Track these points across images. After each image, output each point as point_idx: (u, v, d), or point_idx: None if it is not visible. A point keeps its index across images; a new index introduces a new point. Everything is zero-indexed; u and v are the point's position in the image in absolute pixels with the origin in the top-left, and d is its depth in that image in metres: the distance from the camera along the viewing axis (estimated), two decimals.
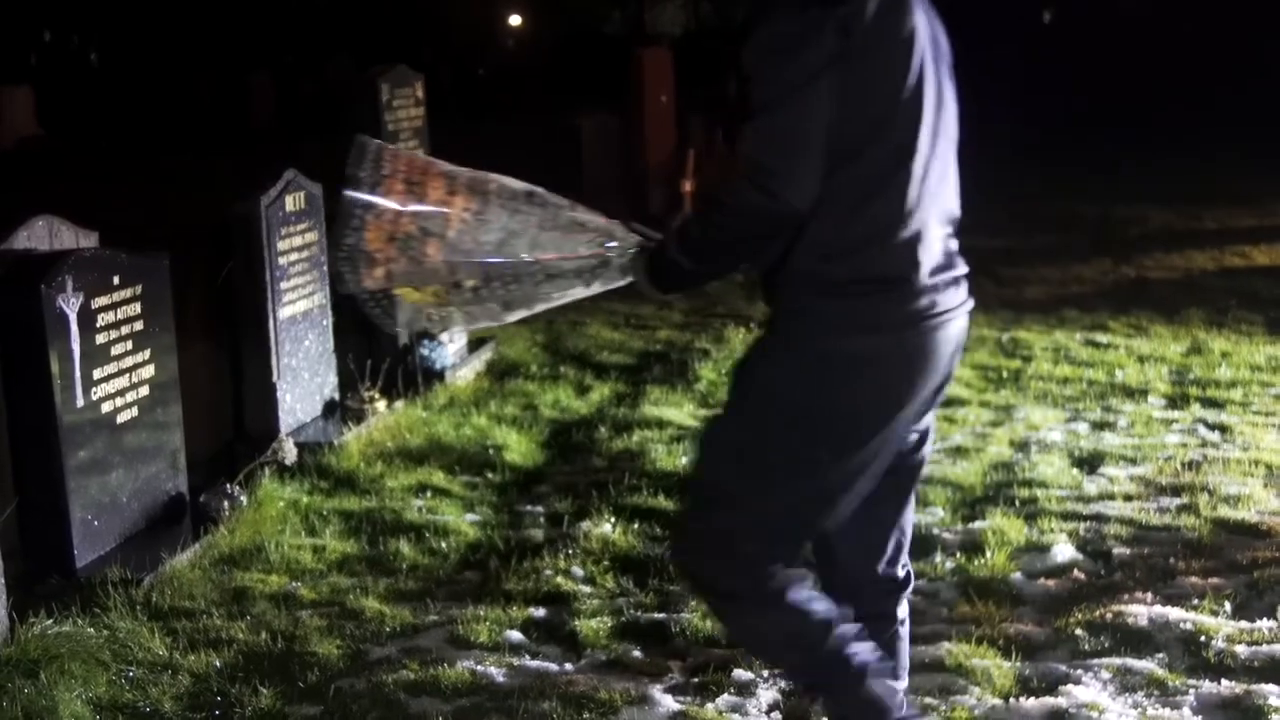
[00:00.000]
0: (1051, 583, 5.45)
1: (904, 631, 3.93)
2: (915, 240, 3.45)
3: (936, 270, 3.49)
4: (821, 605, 3.64)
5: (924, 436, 3.79)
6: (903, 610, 3.91)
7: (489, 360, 8.89)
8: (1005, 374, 8.82)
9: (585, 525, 6.03)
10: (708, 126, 16.11)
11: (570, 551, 5.76)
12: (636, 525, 6.05)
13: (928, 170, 3.47)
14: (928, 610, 5.22)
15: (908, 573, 3.91)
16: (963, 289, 3.58)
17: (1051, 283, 12.46)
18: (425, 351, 8.15)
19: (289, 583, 5.48)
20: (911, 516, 3.92)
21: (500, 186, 3.49)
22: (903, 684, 3.88)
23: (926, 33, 3.52)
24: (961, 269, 3.57)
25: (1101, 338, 9.88)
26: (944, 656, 4.78)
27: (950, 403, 8.14)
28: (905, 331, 3.46)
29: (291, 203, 7.10)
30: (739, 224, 3.46)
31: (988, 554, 5.66)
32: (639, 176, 14.36)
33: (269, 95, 30.01)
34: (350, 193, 3.42)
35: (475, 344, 8.96)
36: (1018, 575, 5.51)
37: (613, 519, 6.11)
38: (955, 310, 3.53)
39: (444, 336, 8.27)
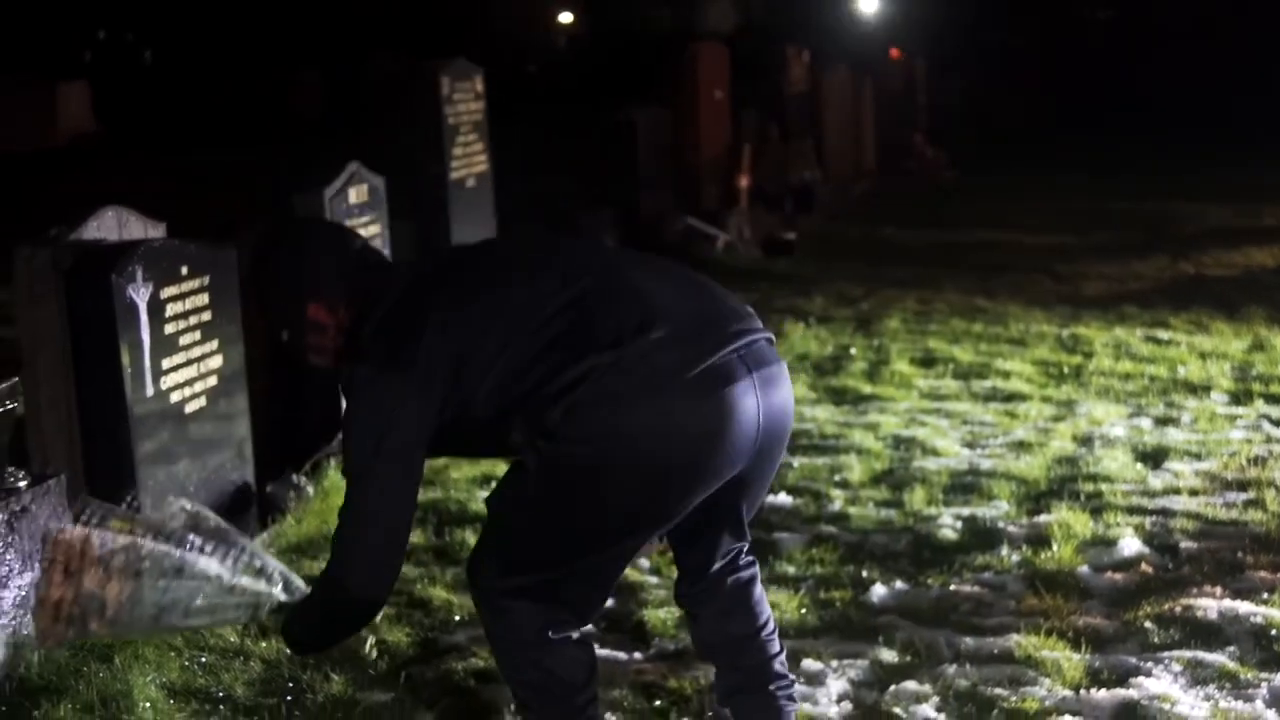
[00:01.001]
0: (1119, 576, 5.43)
1: (749, 577, 3.96)
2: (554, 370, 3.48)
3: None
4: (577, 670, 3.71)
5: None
6: (738, 579, 3.94)
7: None
8: (1066, 369, 8.80)
9: None
10: (762, 121, 16.12)
11: None
12: None
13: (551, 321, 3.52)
14: (995, 603, 5.21)
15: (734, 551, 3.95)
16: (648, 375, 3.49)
17: (1109, 279, 12.42)
18: None
19: None
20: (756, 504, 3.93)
21: (154, 563, 3.70)
22: (764, 618, 3.95)
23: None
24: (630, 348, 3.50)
25: (1162, 334, 9.84)
26: (1013, 648, 4.76)
27: (1011, 397, 8.14)
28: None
29: (355, 195, 7.12)
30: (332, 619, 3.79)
31: (1054, 547, 5.64)
32: (693, 171, 14.36)
33: (317, 91, 30.11)
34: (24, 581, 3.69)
35: None
36: (1084, 568, 5.49)
37: None
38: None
39: None
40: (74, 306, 5.31)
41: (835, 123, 17.88)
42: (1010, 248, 14.24)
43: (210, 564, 3.74)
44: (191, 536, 3.84)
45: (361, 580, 3.61)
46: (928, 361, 9.07)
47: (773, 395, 3.61)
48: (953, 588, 5.34)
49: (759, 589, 3.97)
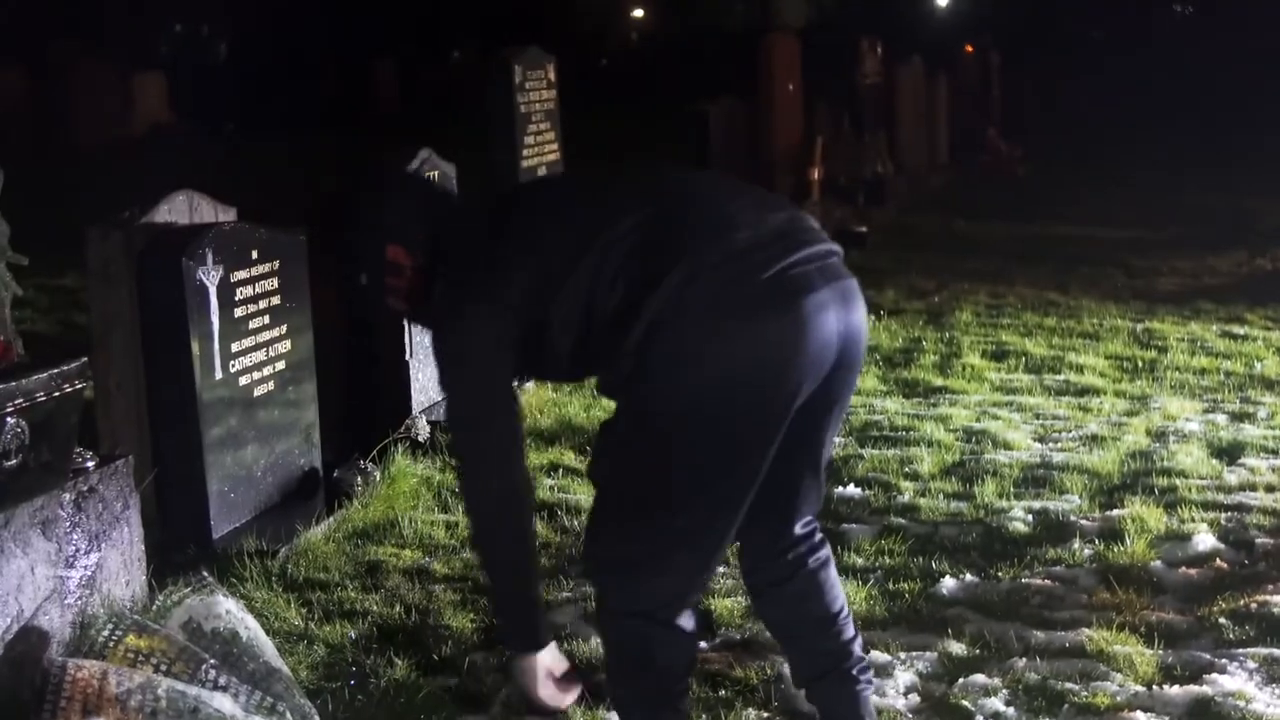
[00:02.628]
0: (1193, 571, 5.34)
1: (826, 558, 3.89)
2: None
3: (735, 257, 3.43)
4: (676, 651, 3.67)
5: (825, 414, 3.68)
6: (817, 559, 3.87)
7: None
8: (1140, 364, 8.69)
9: None
10: (834, 114, 16.04)
11: None
12: None
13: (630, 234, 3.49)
14: (1066, 596, 5.13)
15: (811, 529, 3.89)
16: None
17: (1184, 274, 12.29)
18: None
19: (422, 558, 5.49)
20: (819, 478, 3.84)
21: (170, 703, 3.70)
22: (841, 601, 3.90)
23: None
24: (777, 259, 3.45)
25: (1238, 329, 9.73)
26: (1084, 643, 4.69)
27: (1084, 392, 8.05)
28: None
29: None
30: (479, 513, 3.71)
31: (1127, 542, 5.56)
32: (766, 164, 14.30)
33: (392, 82, 30.26)
34: None
35: None
36: (1158, 563, 5.40)
37: None
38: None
39: None
40: (145, 289, 5.34)
41: (909, 115, 17.77)
42: (1084, 241, 14.11)
43: (224, 702, 3.80)
44: (207, 664, 3.89)
45: (493, 475, 3.64)
46: (999, 355, 8.99)
47: (850, 310, 3.53)
48: (1023, 581, 5.26)
49: (834, 570, 3.91)
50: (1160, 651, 4.63)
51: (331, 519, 5.70)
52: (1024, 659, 4.58)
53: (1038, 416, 7.57)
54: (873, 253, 13.27)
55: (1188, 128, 22.31)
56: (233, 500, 5.58)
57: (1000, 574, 5.34)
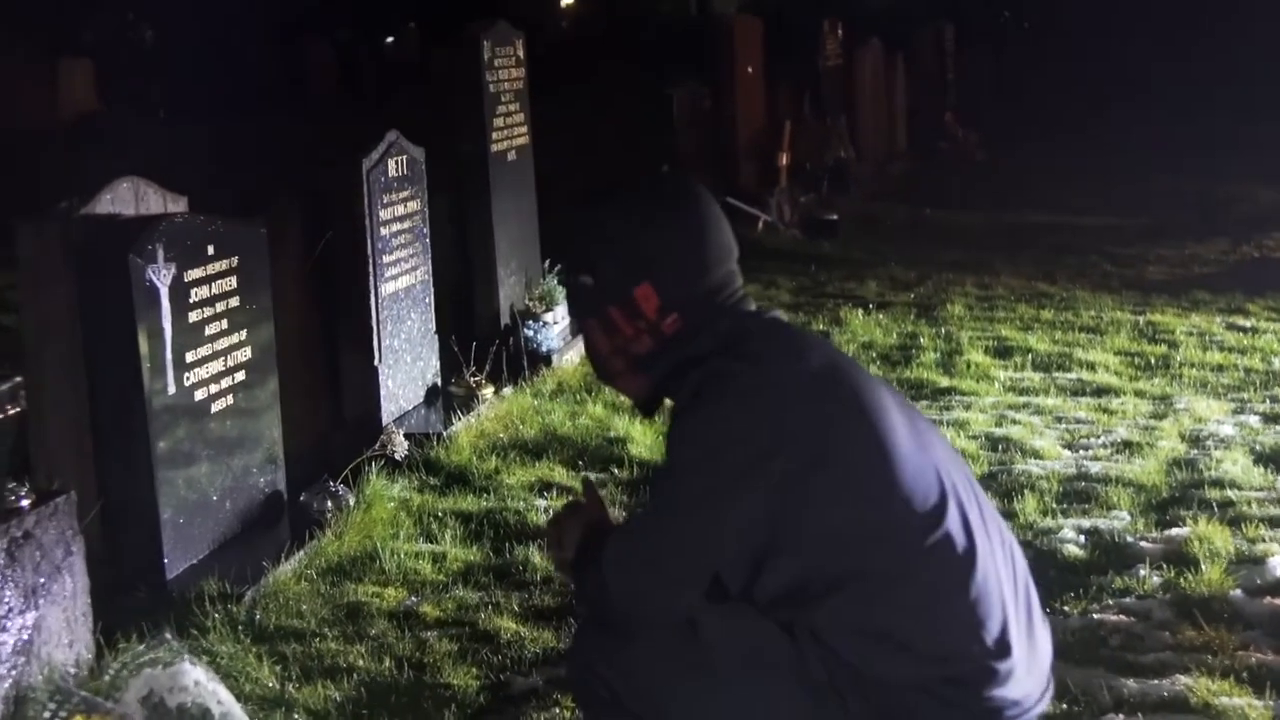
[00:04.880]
0: (1278, 601, 4.74)
1: None
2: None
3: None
4: None
5: None
6: None
7: None
8: (1153, 361, 8.13)
9: None
10: (795, 98, 15.47)
11: None
12: None
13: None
14: (1145, 634, 4.54)
15: None
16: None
17: (1171, 263, 11.80)
18: (530, 333, 7.50)
19: (408, 597, 4.82)
20: None
21: None
22: None
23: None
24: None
25: (1243, 321, 9.20)
26: (1183, 693, 4.09)
27: (1102, 391, 7.50)
28: None
29: (394, 167, 6.43)
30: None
31: (1200, 567, 4.94)
32: (730, 149, 13.71)
33: (329, 65, 29.53)
34: None
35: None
36: (1237, 592, 4.81)
37: None
38: None
39: (549, 316, 7.62)
40: (86, 290, 4.65)
41: (868, 99, 17.19)
42: (1060, 229, 13.60)
43: None
44: None
45: (624, 600, 2.91)
46: (1003, 351, 8.39)
47: None
48: (1094, 616, 4.65)
49: None
50: (1273, 702, 4.02)
51: (302, 552, 5.01)
52: (1121, 715, 3.97)
53: (1059, 420, 6.97)
54: (845, 242, 12.71)
55: (1150, 112, 21.88)
56: (189, 532, 4.89)
57: (1067, 608, 4.72)
